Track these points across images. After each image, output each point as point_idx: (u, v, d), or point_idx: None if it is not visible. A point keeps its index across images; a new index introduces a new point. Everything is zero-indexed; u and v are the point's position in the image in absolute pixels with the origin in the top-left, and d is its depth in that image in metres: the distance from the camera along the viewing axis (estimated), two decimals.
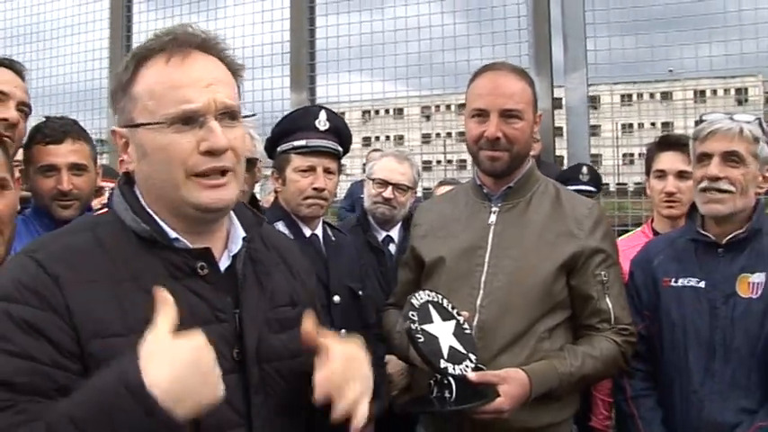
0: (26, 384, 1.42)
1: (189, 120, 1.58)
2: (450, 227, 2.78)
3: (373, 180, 3.96)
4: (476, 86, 2.70)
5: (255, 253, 1.78)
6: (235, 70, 1.72)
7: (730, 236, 2.64)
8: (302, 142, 3.18)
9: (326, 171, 3.20)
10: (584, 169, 4.34)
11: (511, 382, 2.42)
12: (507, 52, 6.69)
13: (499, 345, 2.53)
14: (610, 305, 2.62)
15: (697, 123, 2.77)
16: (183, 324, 1.46)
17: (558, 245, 2.63)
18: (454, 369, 2.35)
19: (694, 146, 2.71)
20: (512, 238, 2.66)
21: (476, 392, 2.40)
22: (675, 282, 2.68)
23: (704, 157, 2.65)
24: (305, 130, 3.20)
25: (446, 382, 2.38)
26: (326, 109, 3.31)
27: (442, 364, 2.34)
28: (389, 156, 4.09)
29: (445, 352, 2.35)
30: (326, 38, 7.84)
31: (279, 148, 3.26)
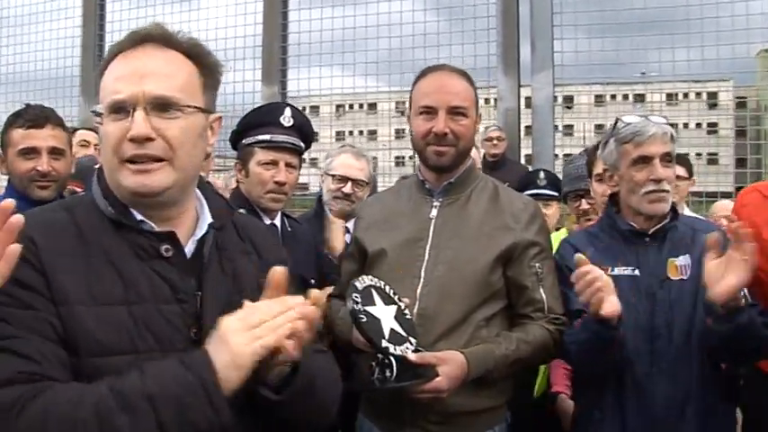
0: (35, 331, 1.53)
1: (119, 109, 1.66)
2: (393, 220, 2.87)
3: (332, 176, 4.02)
4: (422, 86, 2.80)
5: (223, 239, 1.84)
6: (203, 65, 1.78)
7: (658, 226, 2.80)
8: (267, 137, 3.25)
9: (288, 165, 3.27)
10: (542, 174, 4.38)
11: (449, 362, 2.51)
12: (476, 51, 6.80)
13: (438, 331, 2.62)
14: (544, 295, 2.73)
15: (614, 126, 2.86)
16: (146, 302, 1.61)
17: (495, 237, 2.73)
18: (395, 349, 2.42)
19: (625, 149, 2.79)
20: (452, 230, 2.76)
21: (416, 373, 2.47)
22: (612, 271, 2.76)
23: (644, 160, 2.76)
24: (270, 125, 3.26)
25: (387, 361, 2.43)
26: (292, 106, 3.39)
27: (384, 343, 2.40)
28: (347, 152, 4.16)
29: (386, 333, 2.42)
30: (299, 32, 7.90)
31: (244, 141, 3.32)
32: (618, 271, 2.76)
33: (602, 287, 2.39)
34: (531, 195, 4.05)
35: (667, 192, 2.76)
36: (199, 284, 1.73)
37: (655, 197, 2.75)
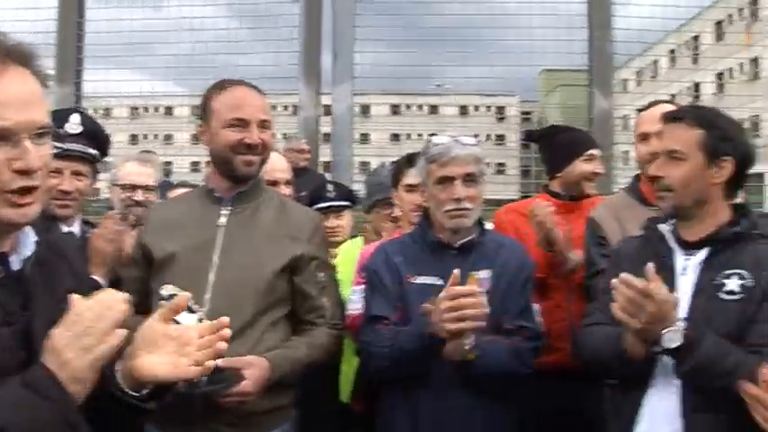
0: None
1: (3, 137, 1.57)
2: (181, 225, 2.92)
3: (121, 186, 3.99)
4: (229, 99, 2.88)
5: (44, 257, 1.77)
6: (43, 81, 1.69)
7: (464, 240, 2.99)
8: None
9: (76, 173, 3.23)
10: (330, 186, 4.48)
11: (255, 366, 2.65)
12: (279, 60, 6.85)
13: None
14: (326, 303, 2.97)
15: (427, 144, 3.05)
16: None
17: (282, 246, 2.88)
18: None
19: (431, 168, 2.97)
20: (241, 238, 2.87)
21: (223, 377, 2.53)
22: (417, 279, 2.97)
23: (446, 180, 2.95)
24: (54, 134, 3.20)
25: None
26: (81, 112, 3.35)
27: None
28: (133, 160, 4.17)
29: None
30: (97, 32, 7.61)
31: None
32: (422, 280, 2.95)
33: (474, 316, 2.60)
34: (323, 208, 4.21)
35: (469, 209, 2.94)
36: (26, 304, 1.67)
37: (455, 214, 2.94)
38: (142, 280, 2.90)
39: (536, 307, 3.02)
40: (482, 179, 3.01)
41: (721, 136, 2.52)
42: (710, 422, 2.34)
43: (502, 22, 7.73)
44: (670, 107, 3.12)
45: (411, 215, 3.68)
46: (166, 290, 2.49)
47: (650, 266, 2.32)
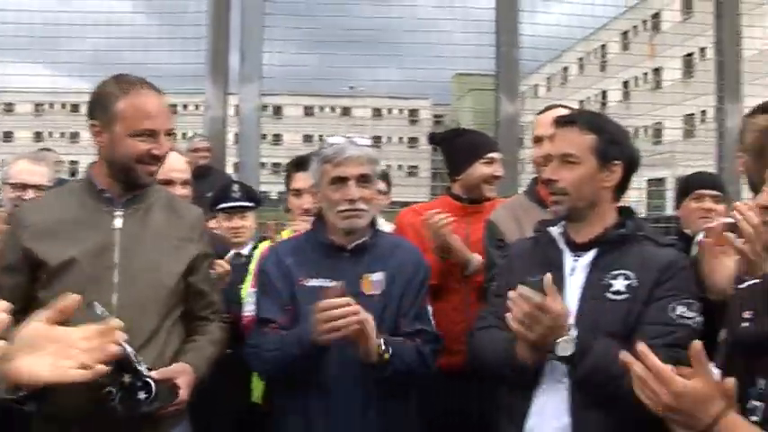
0: None
1: None
2: (71, 229, 2.78)
3: (12, 184, 3.90)
4: (138, 104, 2.74)
5: None
6: None
7: (358, 242, 2.97)
8: None
9: None
10: (235, 186, 4.46)
11: (183, 374, 2.67)
12: (185, 58, 6.76)
13: (138, 342, 2.62)
14: (217, 298, 3.04)
15: (328, 145, 3.04)
16: None
17: (180, 249, 2.87)
18: (146, 370, 2.44)
19: (325, 168, 2.97)
20: (139, 242, 2.80)
21: (161, 391, 2.50)
22: (309, 282, 2.94)
23: (340, 180, 2.94)
24: None
25: (140, 383, 2.43)
26: None
27: (139, 366, 2.41)
28: (24, 158, 4.08)
29: (132, 355, 2.40)
30: (2, 23, 7.37)
31: None
32: (314, 282, 2.92)
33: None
34: (228, 208, 4.21)
35: (363, 210, 2.92)
36: None
37: (349, 215, 2.91)
38: (23, 287, 2.74)
39: (429, 309, 3.05)
40: (376, 180, 3.01)
41: (611, 140, 2.59)
42: (598, 418, 2.40)
43: (416, 26, 7.80)
44: (564, 111, 3.19)
45: (299, 219, 3.68)
46: (97, 307, 2.41)
47: (548, 278, 2.35)
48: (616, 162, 2.59)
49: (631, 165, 2.66)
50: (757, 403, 1.90)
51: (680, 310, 2.44)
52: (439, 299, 3.63)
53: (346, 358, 2.80)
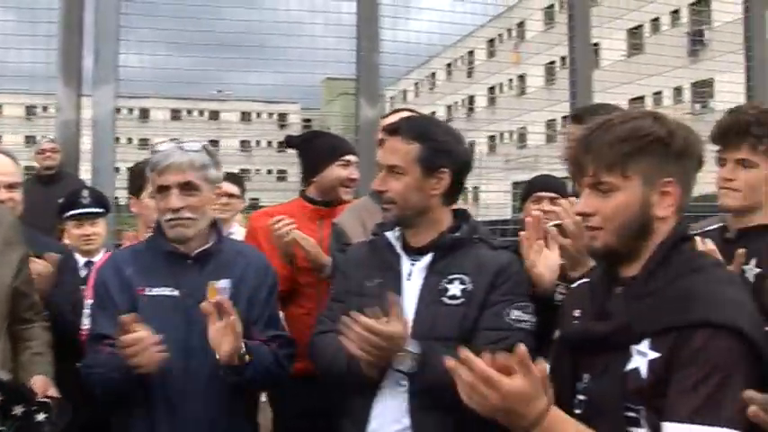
0: None
1: None
2: None
3: None
4: None
5: None
6: None
7: (201, 249, 2.89)
8: None
9: None
10: (85, 192, 4.30)
11: (51, 385, 2.70)
12: (36, 58, 6.50)
13: None
14: (37, 298, 3.01)
15: (154, 153, 2.94)
16: None
17: (6, 255, 2.80)
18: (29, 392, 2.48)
19: (152, 177, 2.88)
20: None
21: (54, 404, 2.52)
22: (150, 291, 2.85)
23: (163, 189, 2.83)
24: None
25: (34, 408, 2.41)
26: None
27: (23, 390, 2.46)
28: None
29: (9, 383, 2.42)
30: None
31: None
32: (157, 291, 2.83)
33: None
34: (77, 215, 4.07)
35: (189, 218, 2.81)
36: None
37: (173, 224, 2.81)
38: None
39: (281, 314, 3.02)
40: (206, 187, 2.86)
41: (436, 148, 2.59)
42: (437, 420, 2.43)
43: (283, 30, 7.76)
44: (407, 114, 3.22)
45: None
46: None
47: (393, 298, 2.37)
48: (443, 170, 2.60)
49: (462, 170, 2.68)
50: (582, 397, 1.98)
51: (515, 314, 2.50)
52: (292, 303, 3.61)
53: (191, 373, 2.75)
